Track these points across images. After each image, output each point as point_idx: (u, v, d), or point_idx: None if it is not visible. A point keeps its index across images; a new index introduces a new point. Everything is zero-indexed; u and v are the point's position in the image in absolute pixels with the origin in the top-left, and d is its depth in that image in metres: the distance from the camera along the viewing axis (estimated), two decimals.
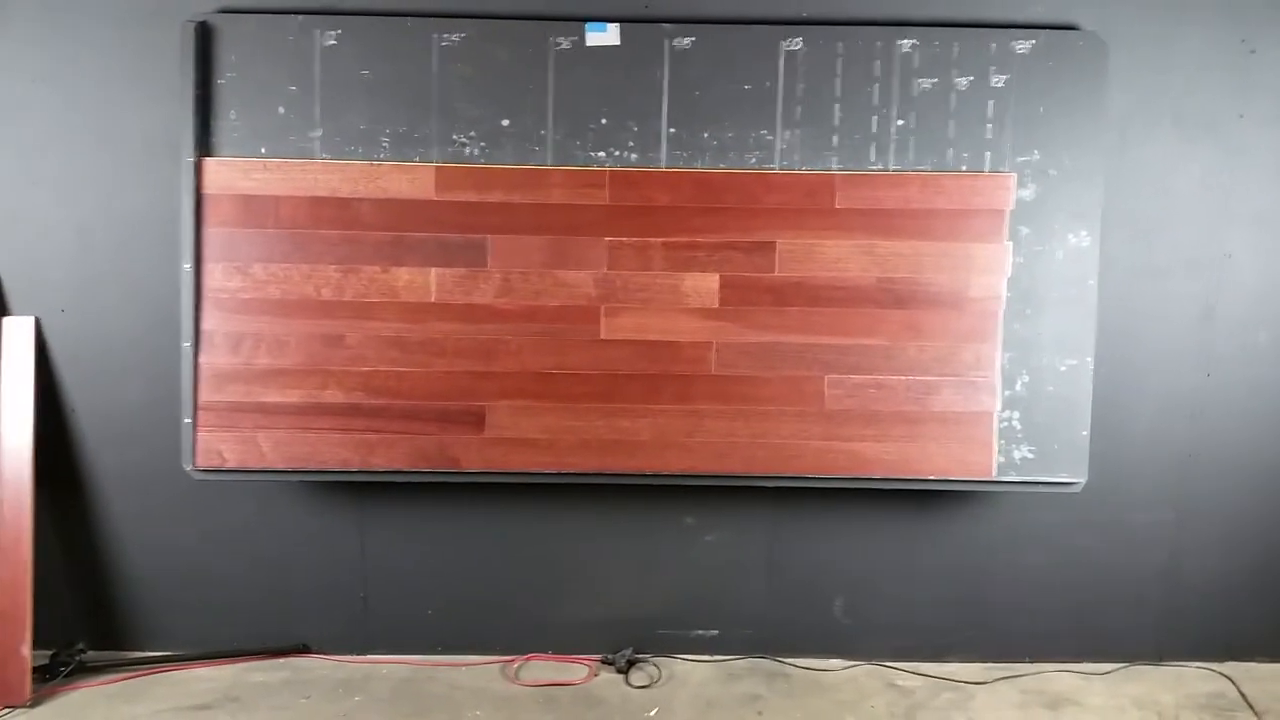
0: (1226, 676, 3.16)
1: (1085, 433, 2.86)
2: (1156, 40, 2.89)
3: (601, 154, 2.79)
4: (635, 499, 3.12)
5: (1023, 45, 2.76)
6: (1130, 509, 3.14)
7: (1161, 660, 3.23)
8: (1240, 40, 2.89)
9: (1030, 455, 2.86)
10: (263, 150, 2.76)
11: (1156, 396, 3.08)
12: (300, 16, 2.74)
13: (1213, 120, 2.93)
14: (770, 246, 2.80)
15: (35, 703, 2.88)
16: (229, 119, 2.75)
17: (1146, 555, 3.17)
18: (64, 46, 2.88)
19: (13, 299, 2.99)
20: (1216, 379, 3.07)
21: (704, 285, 2.81)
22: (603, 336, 2.82)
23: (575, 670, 3.15)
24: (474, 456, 2.83)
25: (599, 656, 3.18)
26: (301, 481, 3.04)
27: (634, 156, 2.79)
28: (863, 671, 3.19)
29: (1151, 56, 2.90)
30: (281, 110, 2.75)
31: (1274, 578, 3.19)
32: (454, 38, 2.74)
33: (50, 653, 3.04)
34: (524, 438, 2.83)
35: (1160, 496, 3.14)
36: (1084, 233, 2.81)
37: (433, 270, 2.79)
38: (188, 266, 2.77)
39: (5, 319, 2.98)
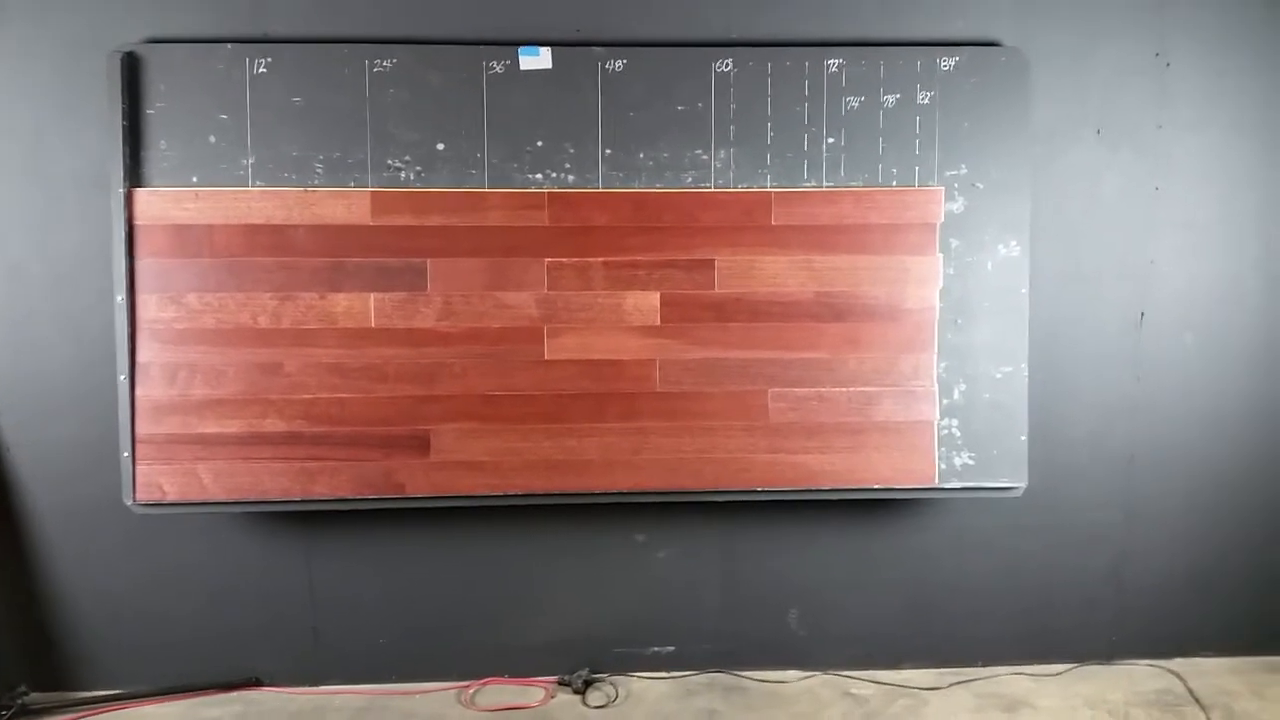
0: (1175, 673, 3.22)
1: (1024, 438, 2.92)
2: (1075, 54, 2.98)
3: (539, 176, 2.80)
4: (586, 519, 3.12)
5: (947, 62, 2.82)
6: (1075, 511, 3.20)
7: (1112, 659, 3.29)
8: (1155, 53, 2.99)
9: (971, 462, 2.91)
10: (194, 179, 2.74)
11: (1092, 401, 3.15)
12: (230, 45, 2.73)
13: (1133, 130, 3.02)
14: (709, 264, 2.83)
15: None
16: (159, 149, 2.73)
17: (1093, 557, 3.24)
18: None
19: None
20: (1147, 382, 3.15)
21: (645, 303, 2.83)
22: (546, 357, 2.83)
23: (532, 693, 3.13)
24: (420, 481, 2.82)
25: (556, 678, 3.18)
26: (245, 512, 3.00)
27: (571, 178, 2.81)
28: (819, 682, 3.21)
29: (1072, 70, 2.98)
30: (213, 139, 2.74)
31: (1219, 575, 3.26)
32: (386, 63, 2.75)
33: None
34: (470, 460, 2.83)
35: (1104, 498, 3.20)
36: (1014, 243, 2.87)
37: (371, 295, 2.78)
38: (120, 298, 2.73)
39: None
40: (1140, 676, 3.22)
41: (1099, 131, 3.01)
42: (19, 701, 2.98)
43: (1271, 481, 3.21)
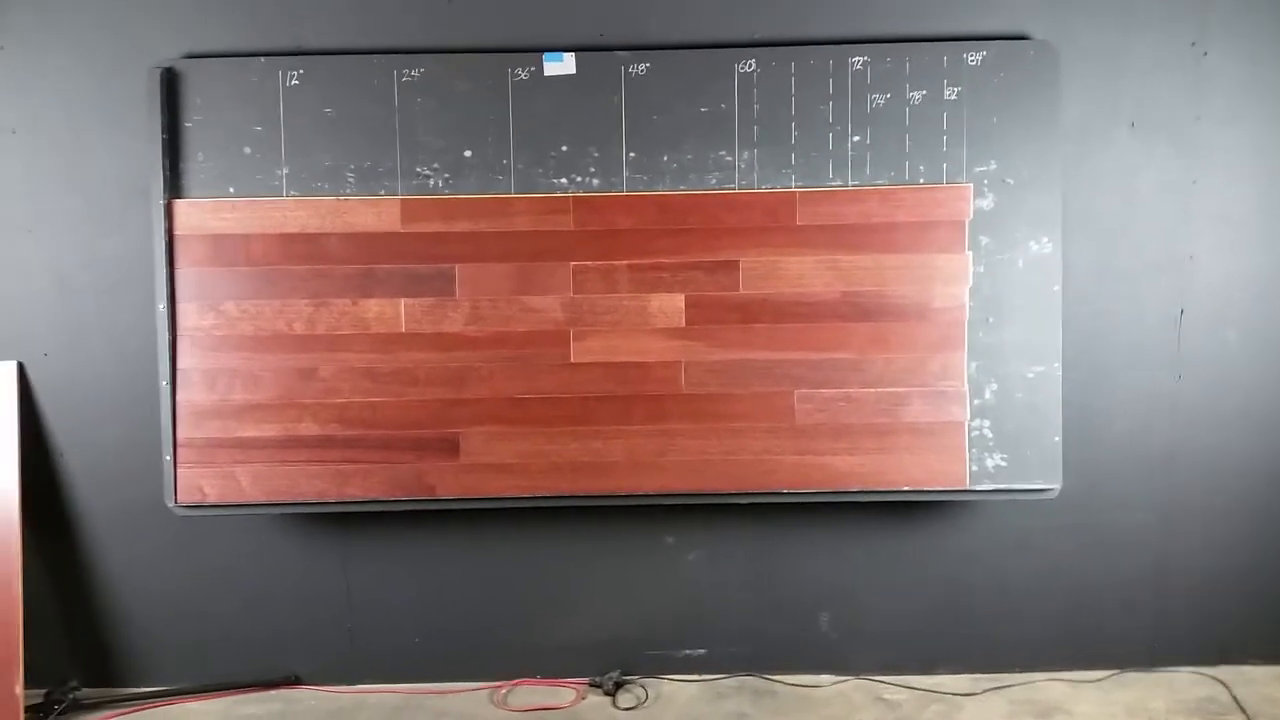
0: (1220, 680, 3.14)
1: (1057, 439, 2.87)
2: (1109, 47, 2.92)
3: (564, 180, 2.83)
4: (616, 520, 3.14)
5: (974, 57, 2.79)
6: (1113, 512, 3.13)
7: (1154, 666, 3.21)
8: (1191, 44, 2.92)
9: (1003, 463, 2.87)
10: (231, 190, 2.82)
11: (1131, 400, 3.08)
12: (264, 58, 2.81)
13: (1170, 123, 2.96)
14: (734, 265, 2.84)
15: None
16: (198, 161, 2.82)
17: (1133, 559, 3.16)
18: (36, 98, 2.95)
19: None
20: (1188, 380, 3.07)
21: (670, 305, 2.84)
22: (572, 360, 2.86)
23: (563, 694, 3.16)
24: (450, 483, 2.86)
25: (587, 679, 3.19)
26: (282, 514, 3.07)
27: (596, 182, 2.83)
28: (851, 686, 3.19)
29: (1106, 63, 2.93)
30: (248, 150, 2.82)
31: (1264, 578, 3.17)
32: (414, 73, 2.80)
33: (44, 691, 3.07)
34: (498, 463, 2.86)
35: (1143, 499, 3.13)
36: (1045, 239, 2.83)
37: (402, 301, 2.84)
38: (162, 307, 2.82)
39: None
40: (1183, 684, 3.14)
41: (1134, 125, 2.95)
42: (70, 696, 3.08)
43: None
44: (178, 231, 2.82)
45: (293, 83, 2.80)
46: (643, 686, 3.17)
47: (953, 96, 2.80)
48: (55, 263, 3.02)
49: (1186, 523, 3.14)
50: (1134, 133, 2.96)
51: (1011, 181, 2.82)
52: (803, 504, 2.99)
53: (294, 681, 3.24)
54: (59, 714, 3.02)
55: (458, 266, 2.83)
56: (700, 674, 3.23)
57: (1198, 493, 3.13)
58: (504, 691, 3.18)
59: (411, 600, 3.20)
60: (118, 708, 3.11)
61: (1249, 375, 3.07)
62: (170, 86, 2.81)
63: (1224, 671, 3.18)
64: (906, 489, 2.88)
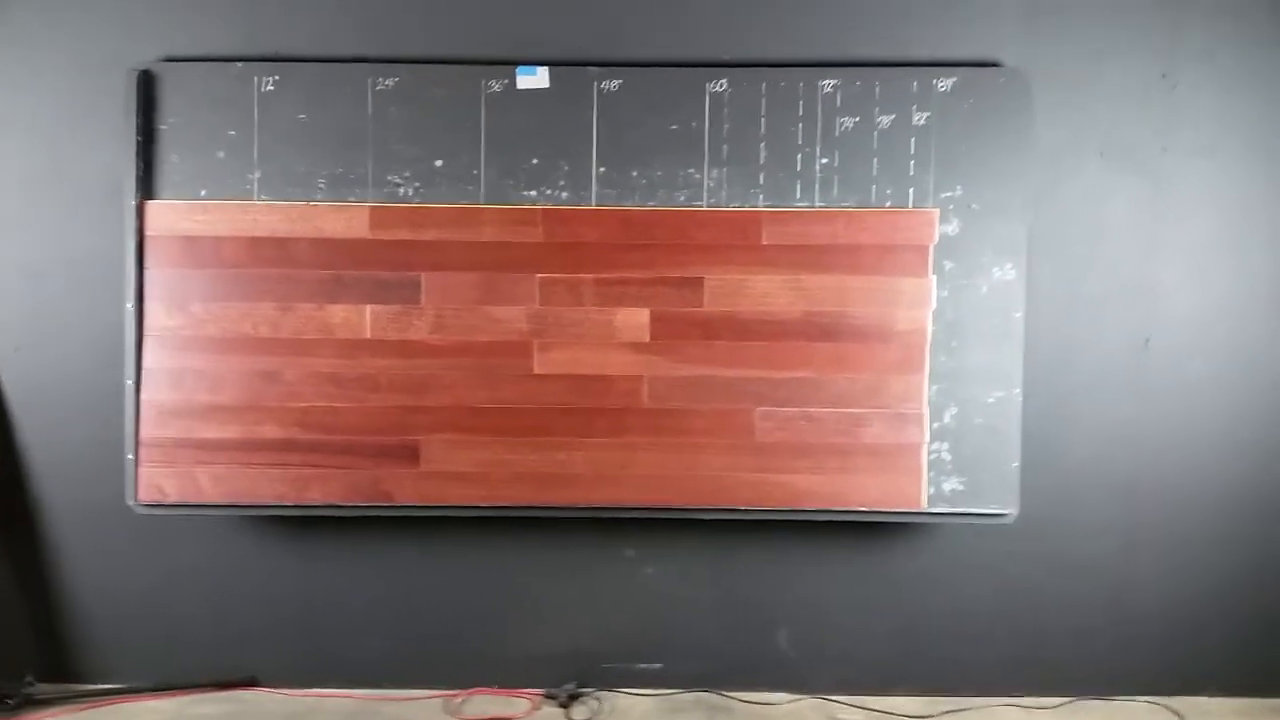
0: (1176, 712, 3.13)
1: (1015, 464, 2.88)
2: (1080, 76, 2.95)
3: (533, 193, 2.85)
4: (576, 532, 3.15)
5: (944, 83, 2.82)
6: (1073, 539, 3.14)
7: (1111, 694, 3.21)
8: (1161, 75, 2.95)
9: (960, 487, 2.88)
10: (203, 193, 2.84)
11: (1094, 427, 3.09)
12: (240, 63, 2.83)
13: (1138, 153, 2.98)
14: (699, 282, 2.85)
15: None
16: (171, 162, 2.84)
17: (1092, 586, 3.16)
18: (14, 97, 2.97)
19: None
20: (1152, 409, 3.08)
21: (635, 320, 2.86)
22: (535, 371, 2.87)
23: (518, 704, 3.16)
24: (408, 490, 2.87)
25: (542, 690, 3.19)
26: (244, 516, 3.08)
27: (565, 195, 2.85)
28: (807, 705, 3.19)
29: (1076, 92, 2.95)
30: (221, 154, 2.84)
31: (1224, 610, 3.17)
32: (389, 82, 2.83)
33: None
34: (458, 471, 2.87)
35: (1103, 527, 3.14)
36: (1009, 266, 2.85)
37: (368, 307, 2.85)
38: (130, 305, 2.84)
39: None
40: (1139, 713, 3.14)
41: (1102, 154, 2.98)
42: (25, 691, 3.08)
43: None
44: (149, 232, 2.84)
45: (268, 88, 2.83)
46: (597, 699, 3.17)
47: (921, 122, 2.82)
48: (29, 259, 3.03)
49: (1147, 552, 3.15)
50: (1103, 162, 2.98)
51: (977, 207, 2.84)
52: (763, 521, 2.99)
53: (252, 683, 3.23)
54: (12, 709, 3.02)
55: (424, 275, 2.85)
56: (656, 688, 3.22)
57: (1159, 522, 3.13)
58: (459, 700, 3.18)
59: (371, 605, 3.20)
60: (73, 704, 3.11)
61: (1214, 406, 3.08)
62: (147, 89, 2.83)
63: (1181, 702, 3.18)
64: (864, 509, 2.89)
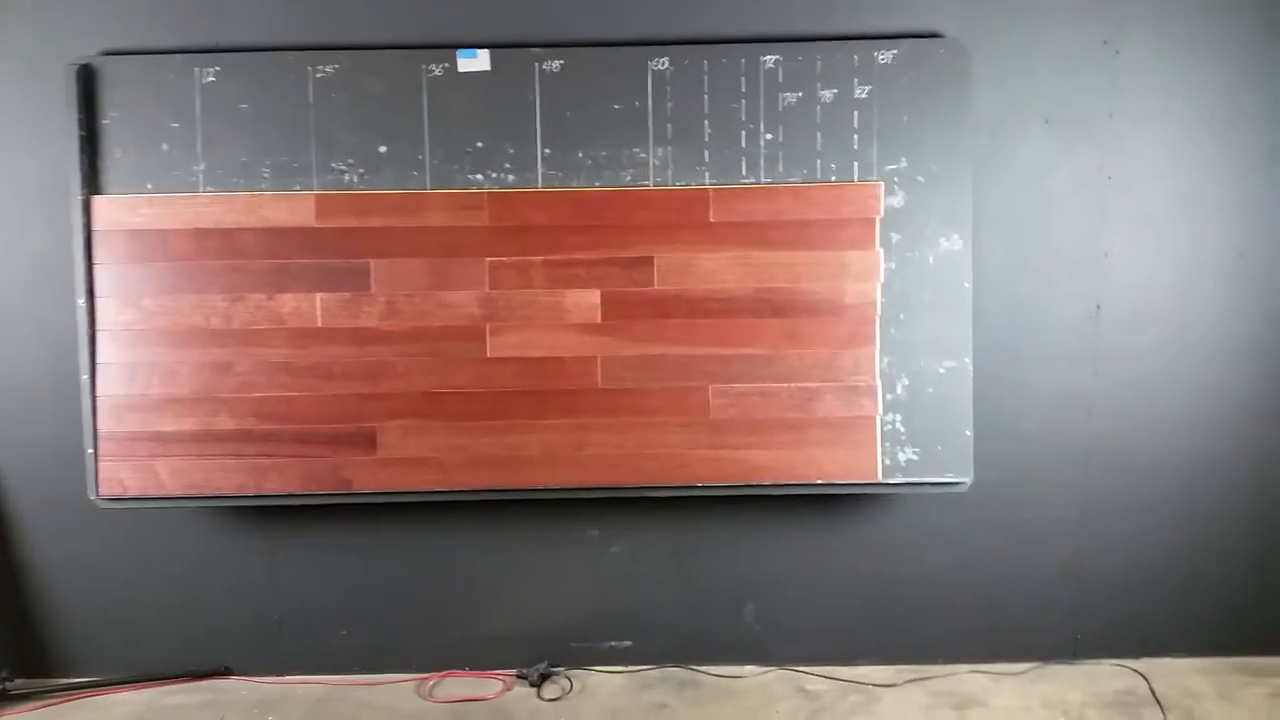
0: (1139, 673, 3.17)
1: (969, 433, 2.89)
2: (1022, 45, 2.94)
3: (479, 176, 2.86)
4: (538, 514, 3.17)
5: (885, 56, 2.81)
6: (1031, 507, 3.17)
7: (1077, 658, 3.24)
8: (1103, 41, 2.94)
9: (915, 457, 2.90)
10: (149, 186, 2.84)
11: (1048, 395, 3.11)
12: (180, 55, 2.83)
13: (1084, 121, 2.98)
14: (648, 261, 2.86)
15: None
16: (115, 157, 2.84)
17: (1052, 553, 3.20)
18: None
19: None
20: (1105, 377, 3.10)
21: (585, 301, 2.87)
22: (488, 355, 2.88)
23: (490, 685, 3.19)
24: (366, 477, 2.89)
25: (514, 671, 3.23)
26: (206, 507, 3.10)
27: (511, 178, 2.85)
28: (774, 677, 3.22)
29: (1018, 61, 2.95)
30: (165, 147, 2.84)
31: (1182, 572, 3.20)
32: (329, 69, 2.82)
33: None
34: (414, 457, 2.89)
35: (1060, 494, 3.16)
36: (955, 236, 2.85)
37: (318, 296, 2.86)
38: (81, 302, 2.85)
39: None
40: (1103, 676, 3.18)
41: (1047, 121, 2.97)
42: (1, 687, 3.11)
43: (1236, 478, 3.15)
44: (96, 227, 2.84)
45: (209, 79, 2.82)
46: (569, 678, 3.20)
47: (864, 95, 2.82)
48: None
49: (1104, 517, 3.17)
50: (1048, 130, 2.98)
51: (922, 179, 2.84)
52: (724, 497, 3.02)
53: (225, 672, 3.27)
54: None
55: (373, 262, 2.85)
56: (626, 665, 3.26)
57: (1115, 488, 3.16)
58: (431, 683, 3.21)
59: (339, 592, 3.23)
60: (48, 698, 3.14)
61: (1166, 372, 3.10)
62: (88, 83, 2.82)
63: (1145, 664, 3.22)
64: (819, 482, 2.91)
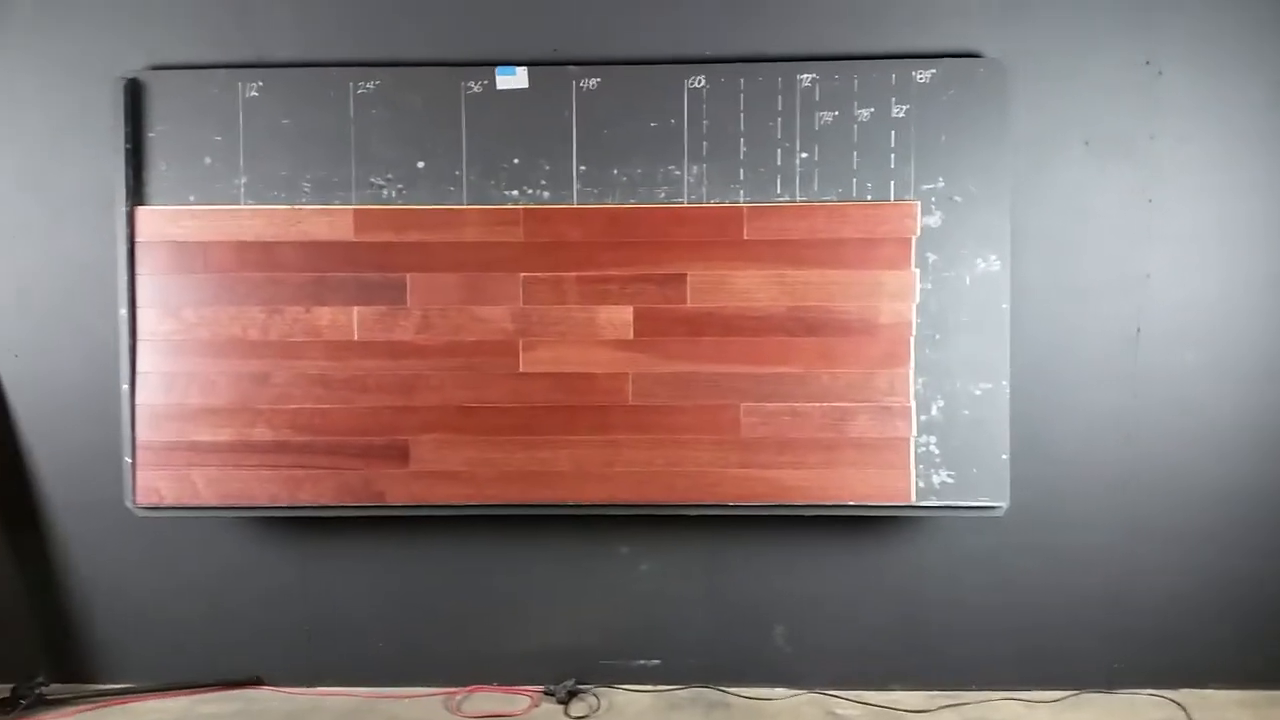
0: (1178, 704, 3.10)
1: (1005, 456, 2.86)
2: (1062, 65, 2.92)
3: (515, 192, 2.88)
4: (569, 530, 3.16)
5: (923, 75, 2.80)
6: (1069, 531, 3.11)
7: (1114, 687, 3.17)
8: (1146, 62, 2.91)
9: (950, 480, 2.86)
10: (191, 198, 2.89)
11: (1087, 418, 3.06)
12: (224, 70, 2.88)
13: (1125, 141, 2.94)
14: (682, 278, 2.86)
15: None
16: (160, 170, 2.89)
17: (1090, 579, 3.14)
18: (8, 107, 3.04)
19: None
20: (1145, 400, 3.05)
21: (618, 317, 2.87)
22: (521, 369, 2.89)
23: (517, 701, 3.18)
24: (399, 490, 2.91)
25: (542, 687, 3.21)
26: (239, 517, 3.13)
27: (546, 194, 2.87)
28: (804, 700, 3.18)
29: (1058, 81, 2.92)
30: (208, 160, 2.88)
31: (1226, 600, 3.13)
32: (370, 85, 2.86)
33: (11, 686, 3.13)
34: (447, 470, 2.90)
35: (1099, 519, 3.11)
36: (993, 257, 2.82)
37: (354, 309, 2.89)
38: (123, 311, 2.90)
39: None
40: (1141, 706, 3.10)
41: (1087, 143, 2.94)
42: (37, 691, 3.14)
43: None
44: (139, 238, 2.89)
45: (252, 94, 2.87)
46: (596, 695, 3.18)
47: (901, 114, 2.81)
48: (26, 267, 3.10)
49: (1145, 543, 3.11)
50: (1088, 151, 2.95)
51: (959, 199, 2.82)
52: (756, 516, 3.00)
53: (256, 682, 3.28)
54: (25, 708, 3.09)
55: (409, 276, 2.88)
56: (654, 684, 3.24)
57: (1156, 513, 3.10)
58: (459, 698, 3.21)
59: (370, 604, 3.24)
60: (83, 703, 3.17)
61: (1208, 396, 3.04)
62: (135, 97, 2.88)
63: (1185, 695, 3.14)
64: (851, 503, 2.88)
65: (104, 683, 3.27)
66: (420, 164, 2.87)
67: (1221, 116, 2.93)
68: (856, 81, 2.81)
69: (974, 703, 3.14)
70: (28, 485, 3.20)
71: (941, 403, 2.85)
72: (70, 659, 3.28)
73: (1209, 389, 3.04)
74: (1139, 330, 3.02)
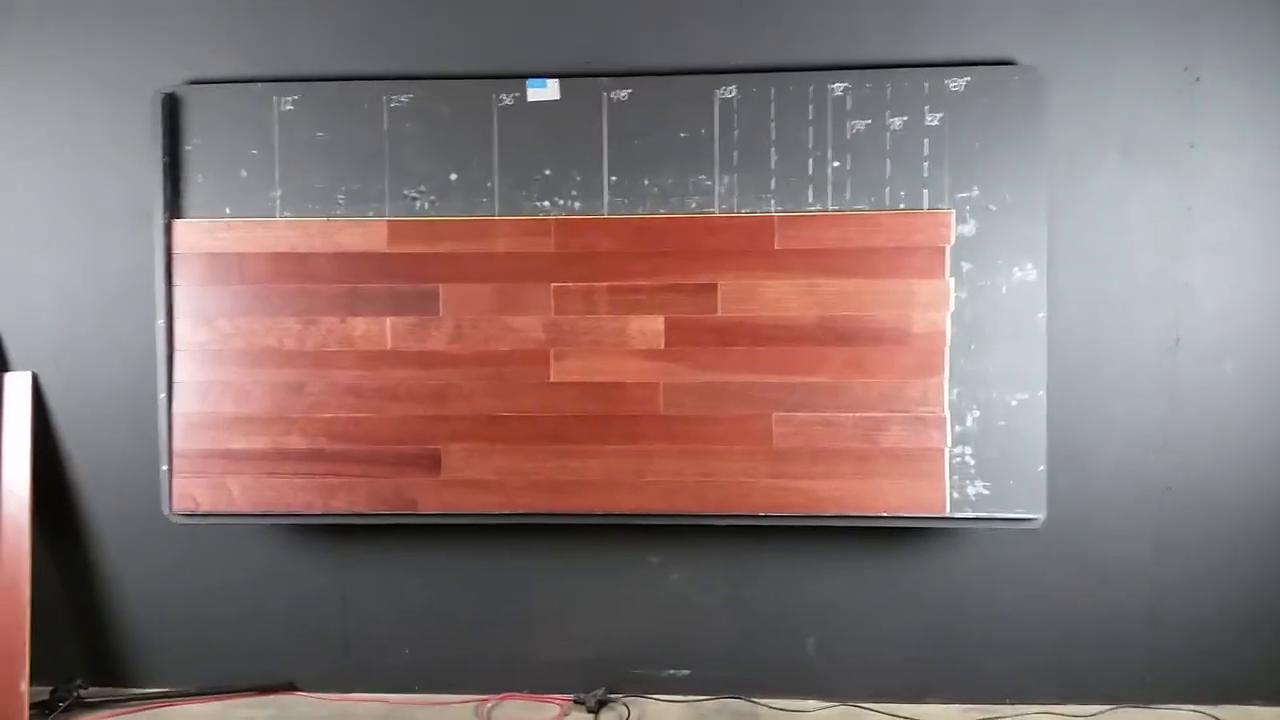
0: None
1: (1041, 468, 2.82)
2: (1098, 72, 2.88)
3: (546, 203, 2.88)
4: (600, 539, 3.17)
5: (957, 83, 2.78)
6: (1106, 544, 3.07)
7: (1150, 703, 3.13)
8: (1184, 69, 2.87)
9: (985, 491, 2.83)
10: (227, 211, 2.93)
11: (1124, 430, 3.02)
12: (260, 84, 2.92)
13: (1163, 150, 2.90)
14: (712, 288, 2.85)
15: None
16: (196, 182, 2.93)
17: (1128, 592, 3.09)
18: (49, 121, 3.10)
19: (12, 355, 3.20)
20: (1182, 411, 3.00)
21: (649, 327, 2.87)
22: (552, 379, 2.90)
23: (547, 710, 3.19)
24: (431, 499, 2.92)
25: (572, 696, 3.22)
26: (274, 525, 3.16)
27: (578, 205, 2.88)
28: (836, 713, 3.16)
29: (1095, 88, 2.89)
30: (244, 173, 2.92)
31: (1268, 616, 3.07)
32: (403, 98, 2.88)
33: (50, 689, 3.19)
34: (478, 479, 2.91)
35: (1137, 531, 3.06)
36: (1029, 266, 2.79)
37: (388, 319, 2.91)
38: (161, 322, 2.94)
39: (5, 374, 3.19)
40: None
41: (1124, 150, 2.90)
42: (75, 694, 3.20)
43: None
44: (176, 250, 2.94)
45: (287, 108, 2.90)
46: (626, 705, 3.18)
47: (934, 122, 2.79)
48: (66, 278, 3.16)
49: (1183, 557, 3.06)
50: (1125, 159, 2.91)
51: (994, 208, 2.79)
52: (788, 527, 2.99)
53: (289, 688, 3.31)
54: (63, 711, 3.14)
55: (442, 286, 2.90)
56: (685, 694, 3.23)
57: (1194, 525, 3.05)
58: (489, 705, 3.22)
59: (402, 612, 3.26)
60: (120, 707, 3.22)
61: (1248, 408, 2.99)
62: (172, 111, 2.92)
63: (1224, 710, 3.09)
64: (884, 515, 2.85)
65: (140, 687, 3.32)
66: (453, 176, 2.89)
67: (1262, 124, 2.88)
68: (889, 90, 2.79)
69: (1009, 717, 3.11)
70: (67, 492, 3.25)
71: (977, 413, 2.82)
72: (107, 663, 3.32)
73: (1248, 400, 2.99)
74: (1178, 340, 2.97)
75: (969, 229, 2.79)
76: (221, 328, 2.93)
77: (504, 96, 2.87)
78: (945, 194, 2.80)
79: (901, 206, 2.81)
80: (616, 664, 3.24)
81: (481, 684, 3.26)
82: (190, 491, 2.96)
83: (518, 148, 2.88)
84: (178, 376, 2.95)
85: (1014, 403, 2.82)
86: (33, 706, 3.09)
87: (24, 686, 3.05)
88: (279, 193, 2.92)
